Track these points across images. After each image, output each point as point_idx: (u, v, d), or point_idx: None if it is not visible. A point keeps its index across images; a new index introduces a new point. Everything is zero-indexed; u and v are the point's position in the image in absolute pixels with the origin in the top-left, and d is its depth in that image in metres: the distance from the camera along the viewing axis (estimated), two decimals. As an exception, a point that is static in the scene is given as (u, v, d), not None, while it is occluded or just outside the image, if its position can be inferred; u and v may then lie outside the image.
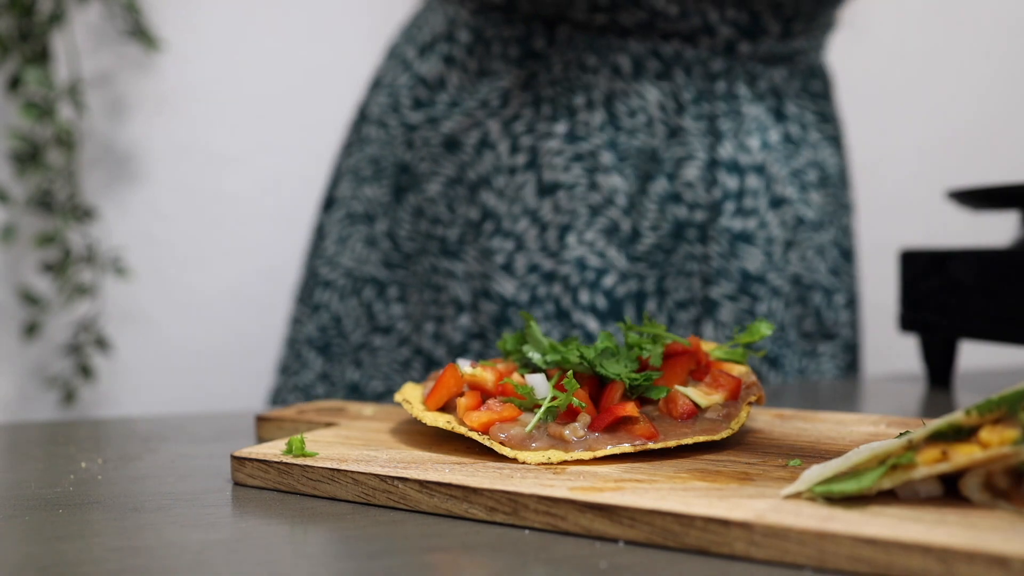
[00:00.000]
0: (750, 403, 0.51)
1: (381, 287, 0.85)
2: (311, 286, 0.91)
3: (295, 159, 1.45)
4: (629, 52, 0.79)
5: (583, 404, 0.48)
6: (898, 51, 1.65)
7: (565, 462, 0.45)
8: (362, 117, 0.94)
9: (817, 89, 0.89)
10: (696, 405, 0.50)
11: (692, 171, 0.79)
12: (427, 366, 0.82)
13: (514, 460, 0.46)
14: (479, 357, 0.79)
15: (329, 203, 0.93)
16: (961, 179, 1.54)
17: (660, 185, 0.78)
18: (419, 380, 0.82)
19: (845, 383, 0.87)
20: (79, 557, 0.37)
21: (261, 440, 0.60)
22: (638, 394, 0.50)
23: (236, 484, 0.48)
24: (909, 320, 0.87)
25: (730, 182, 0.79)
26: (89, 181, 1.27)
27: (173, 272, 1.37)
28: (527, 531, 0.40)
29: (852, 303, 0.92)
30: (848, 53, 1.62)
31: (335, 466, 0.46)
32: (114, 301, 1.29)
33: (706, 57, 0.80)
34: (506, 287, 0.78)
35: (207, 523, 0.42)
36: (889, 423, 0.55)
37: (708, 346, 0.57)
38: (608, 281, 0.77)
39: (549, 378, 0.50)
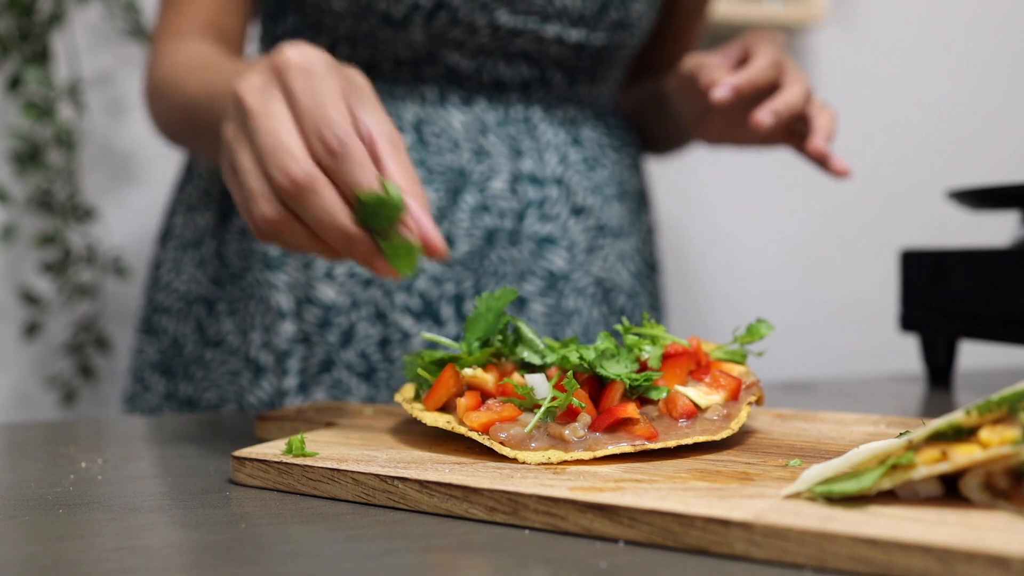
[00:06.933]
0: (750, 403, 0.51)
1: (211, 304, 0.90)
2: (150, 315, 0.96)
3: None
4: (436, 82, 0.86)
5: (583, 404, 0.48)
6: (898, 51, 1.65)
7: (565, 462, 0.45)
8: (193, 156, 0.98)
9: (613, 123, 0.97)
10: (696, 405, 0.50)
11: (498, 184, 0.86)
12: (256, 372, 0.86)
13: (514, 460, 0.46)
14: (303, 360, 0.84)
15: (165, 237, 0.97)
16: (961, 179, 1.54)
17: (471, 198, 0.85)
18: (248, 388, 0.86)
19: (845, 383, 0.87)
20: (79, 557, 0.37)
21: (261, 440, 0.60)
22: (638, 394, 0.50)
23: (236, 484, 0.48)
24: (909, 320, 0.87)
25: (532, 192, 0.87)
26: (89, 181, 1.27)
27: (173, 272, 1.37)
28: (527, 531, 0.40)
29: (657, 308, 1.00)
30: (848, 53, 1.62)
31: (335, 466, 0.46)
32: (114, 301, 1.29)
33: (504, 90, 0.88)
34: (327, 293, 0.84)
35: (207, 523, 0.42)
36: (889, 423, 0.55)
37: (708, 346, 0.57)
38: (420, 284, 0.85)
39: (549, 378, 0.50)
